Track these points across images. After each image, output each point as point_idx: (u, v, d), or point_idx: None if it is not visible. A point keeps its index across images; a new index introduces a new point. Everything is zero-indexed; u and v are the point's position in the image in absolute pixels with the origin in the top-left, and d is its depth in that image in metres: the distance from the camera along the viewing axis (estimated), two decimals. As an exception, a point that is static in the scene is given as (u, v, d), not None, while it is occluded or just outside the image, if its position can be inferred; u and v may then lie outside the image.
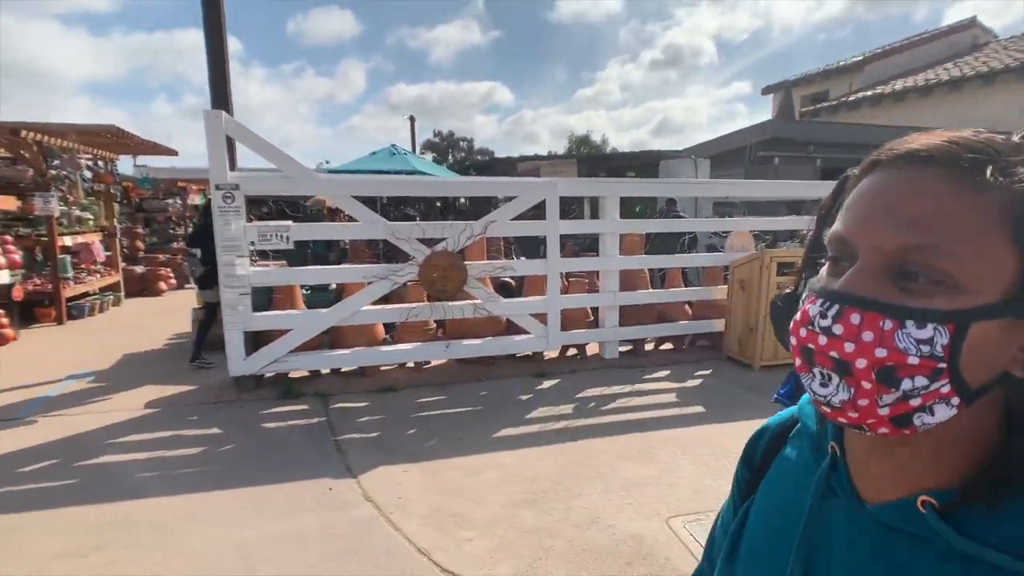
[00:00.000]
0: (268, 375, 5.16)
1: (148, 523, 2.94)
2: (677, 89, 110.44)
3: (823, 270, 0.53)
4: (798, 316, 0.52)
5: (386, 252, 8.47)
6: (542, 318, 5.65)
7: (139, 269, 10.96)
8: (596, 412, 4.59)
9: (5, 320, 6.62)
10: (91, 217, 8.49)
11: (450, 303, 5.31)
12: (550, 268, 5.56)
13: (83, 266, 8.52)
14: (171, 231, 13.86)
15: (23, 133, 6.98)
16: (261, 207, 10.46)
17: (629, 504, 3.15)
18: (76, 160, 7.97)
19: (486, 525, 2.97)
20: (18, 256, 6.95)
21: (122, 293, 9.60)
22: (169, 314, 8.91)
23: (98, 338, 7.33)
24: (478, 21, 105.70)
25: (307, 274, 5.05)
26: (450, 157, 62.31)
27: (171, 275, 11.45)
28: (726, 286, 6.17)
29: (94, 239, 8.54)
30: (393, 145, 8.89)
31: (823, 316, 0.48)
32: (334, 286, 6.12)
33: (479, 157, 63.37)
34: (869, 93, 14.10)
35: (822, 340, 0.48)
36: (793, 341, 0.52)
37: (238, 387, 5.07)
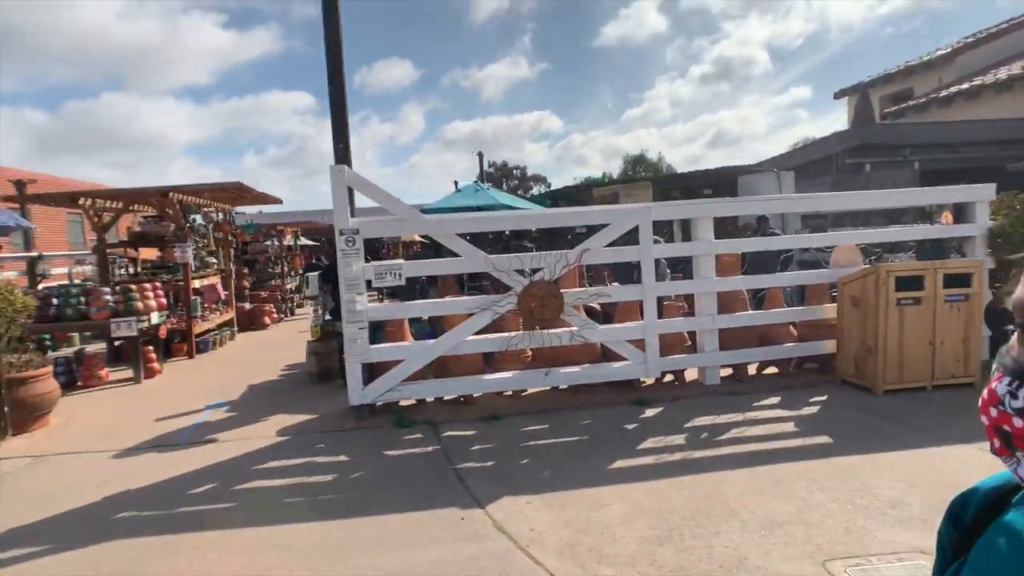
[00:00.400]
0: (379, 404, 5.49)
1: (306, 546, 3.23)
2: (730, 101, 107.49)
3: (1013, 339, 0.50)
4: (985, 394, 0.49)
5: (471, 283, 8.81)
6: (639, 344, 5.68)
7: (247, 306, 11.94)
8: (712, 442, 4.55)
9: (153, 355, 7.44)
10: (215, 262, 9.42)
11: (547, 331, 5.46)
12: (646, 293, 5.61)
13: (207, 305, 9.43)
14: (270, 270, 15.01)
15: (170, 195, 7.93)
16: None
17: (775, 544, 3.04)
18: (209, 215, 8.93)
19: (626, 563, 2.97)
20: (164, 299, 7.81)
21: (235, 328, 10.49)
22: (278, 347, 9.63)
23: (223, 370, 8.06)
24: (525, 56, 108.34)
25: (416, 308, 5.38)
26: (504, 185, 63.87)
27: (273, 311, 12.38)
28: (834, 304, 5.97)
29: (216, 281, 9.44)
30: (476, 182, 9.29)
31: (1013, 396, 0.46)
32: (426, 316, 6.45)
33: (532, 183, 64.59)
34: (965, 86, 13.10)
35: (1018, 423, 0.45)
36: (984, 420, 0.50)
37: (355, 415, 5.43)
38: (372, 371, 5.39)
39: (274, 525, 3.47)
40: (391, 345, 5.41)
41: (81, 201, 8.14)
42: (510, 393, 5.89)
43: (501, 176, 63.05)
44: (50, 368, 5.60)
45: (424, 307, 5.41)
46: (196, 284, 8.82)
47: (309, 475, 4.27)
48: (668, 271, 6.69)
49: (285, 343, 10.42)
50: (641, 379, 5.94)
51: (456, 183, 9.27)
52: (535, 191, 60.48)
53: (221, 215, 10.16)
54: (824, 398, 5.50)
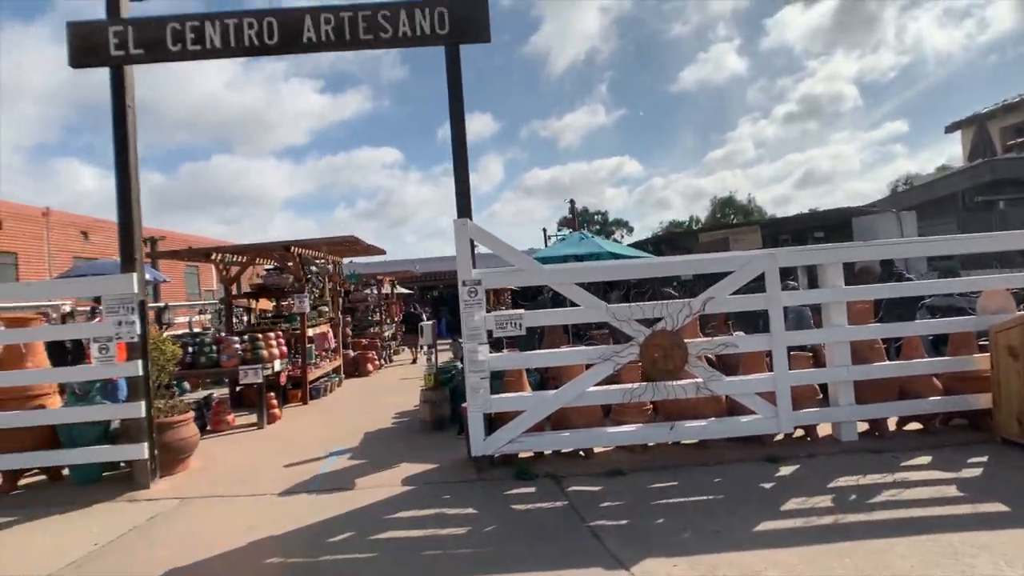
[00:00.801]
0: (498, 455, 5.45)
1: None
2: (818, 139, 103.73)
3: None
4: None
5: (576, 333, 8.74)
6: (769, 397, 5.38)
7: (351, 353, 12.45)
8: (864, 505, 4.17)
9: (275, 401, 7.86)
10: (327, 310, 9.95)
11: (671, 383, 5.29)
12: (775, 342, 5.34)
13: (318, 352, 9.91)
14: (369, 318, 15.65)
15: (292, 249, 8.54)
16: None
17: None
18: (326, 267, 9.53)
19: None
20: (284, 348, 8.29)
21: (343, 375, 10.93)
22: (384, 393, 9.92)
23: (337, 417, 8.37)
24: (603, 104, 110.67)
25: (537, 358, 5.39)
26: (586, 229, 64.49)
27: (375, 358, 12.82)
28: (985, 354, 5.43)
29: (327, 329, 9.94)
30: (582, 231, 9.37)
31: None
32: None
33: (613, 228, 64.81)
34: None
35: None
36: None
37: (475, 466, 5.42)
38: (490, 421, 5.40)
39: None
40: (512, 395, 5.42)
41: (213, 256, 8.92)
42: (629, 447, 5.70)
43: (582, 222, 63.70)
44: (191, 414, 6.00)
45: (544, 357, 5.41)
46: (310, 332, 9.32)
47: (442, 527, 4.26)
48: (810, 318, 6.34)
49: (389, 389, 10.74)
50: (771, 434, 5.60)
51: (544, 231, 9.55)
52: (616, 236, 60.90)
53: (331, 266, 10.80)
54: (985, 459, 4.95)
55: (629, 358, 5.26)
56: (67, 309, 12.68)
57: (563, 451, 5.71)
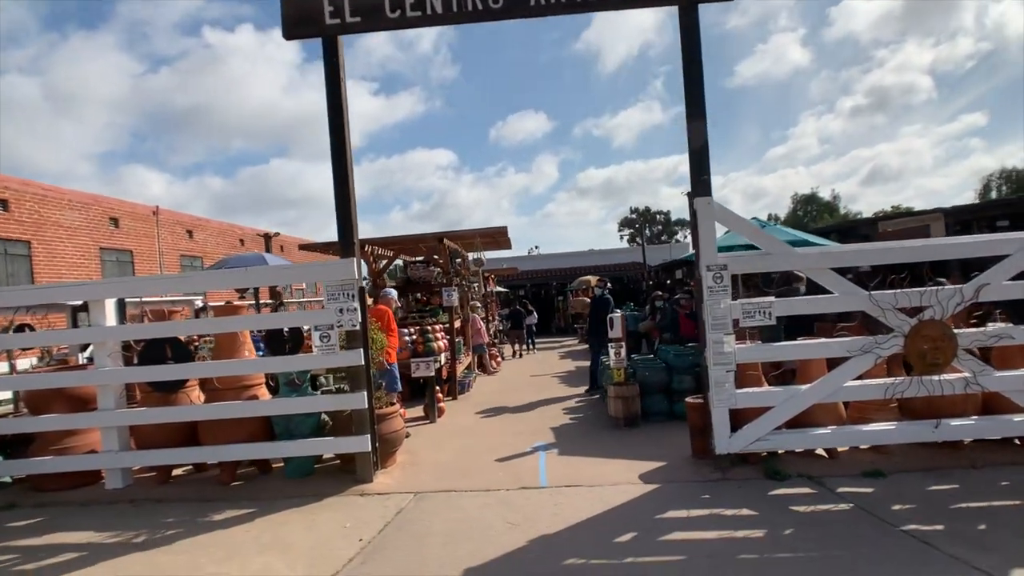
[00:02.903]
0: (736, 453, 5.06)
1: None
2: (887, 133, 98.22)
3: None
4: None
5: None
6: (1046, 394, 4.83)
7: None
8: None
9: (440, 395, 7.69)
10: (479, 305, 9.78)
11: (936, 378, 4.80)
12: (1056, 334, 4.78)
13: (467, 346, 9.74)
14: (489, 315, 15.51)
15: (443, 241, 8.38)
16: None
17: None
18: (481, 259, 9.36)
19: None
20: (445, 341, 8.14)
21: (477, 371, 10.75)
22: (526, 388, 9.69)
23: (501, 412, 8.17)
24: (659, 101, 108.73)
25: (785, 350, 4.99)
26: (647, 231, 63.28)
27: (499, 355, 12.63)
28: None
29: (480, 324, 9.78)
30: (755, 218, 8.90)
31: None
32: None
33: (676, 228, 63.42)
34: None
35: None
36: None
37: (713, 464, 5.06)
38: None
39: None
40: (761, 390, 5.04)
41: (366, 248, 8.84)
42: (875, 448, 5.23)
43: (644, 222, 62.61)
44: (398, 406, 5.85)
45: (793, 349, 5.00)
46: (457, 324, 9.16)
47: (733, 528, 3.90)
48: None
49: (527, 384, 10.54)
50: (1036, 436, 5.04)
51: (760, 220, 9.22)
52: (679, 236, 59.61)
53: (482, 259, 10.64)
54: None
55: (892, 350, 4.79)
56: (199, 304, 12.98)
57: (798, 451, 5.28)
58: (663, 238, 61.23)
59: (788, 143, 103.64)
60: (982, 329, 4.88)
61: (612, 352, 6.79)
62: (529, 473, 5.33)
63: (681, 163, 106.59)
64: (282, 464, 5.68)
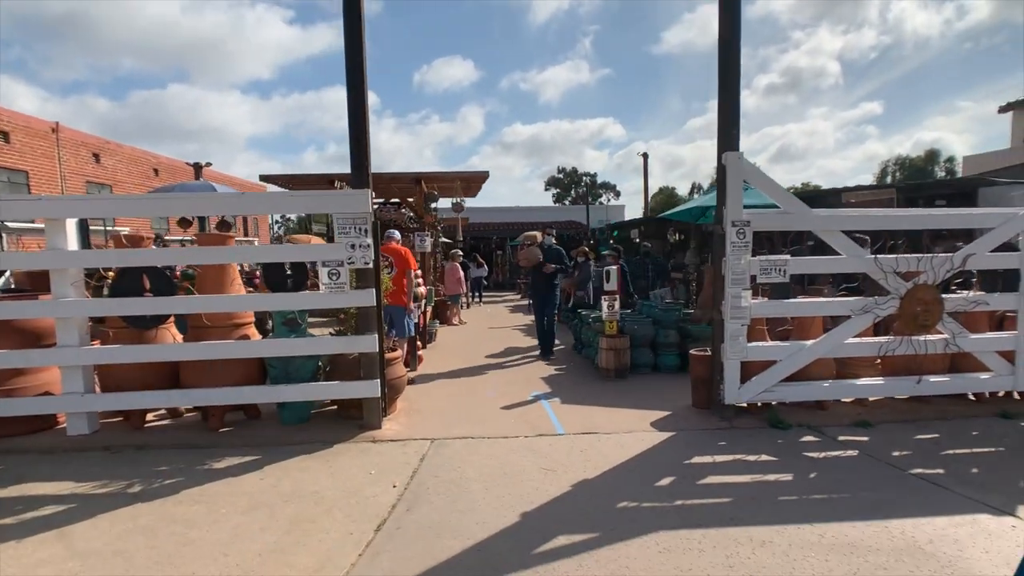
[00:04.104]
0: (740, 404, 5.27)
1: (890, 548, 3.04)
2: (797, 113, 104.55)
3: None
4: None
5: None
6: (1008, 356, 5.39)
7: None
8: None
9: (419, 343, 7.43)
10: (459, 251, 9.43)
11: (921, 338, 5.21)
12: (1023, 302, 5.31)
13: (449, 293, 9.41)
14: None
15: (421, 182, 7.92)
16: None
17: None
18: (461, 204, 8.92)
19: None
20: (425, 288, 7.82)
21: (438, 322, 10.49)
22: (491, 340, 9.60)
23: (478, 362, 8.05)
24: (587, 61, 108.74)
25: (794, 307, 5.18)
26: (572, 192, 64.16)
27: (453, 305, 12.38)
28: None
29: (459, 271, 9.44)
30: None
31: None
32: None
33: (601, 191, 64.72)
34: None
35: None
36: None
37: (718, 414, 5.25)
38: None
39: (811, 523, 3.29)
40: (770, 344, 5.23)
41: (337, 184, 8.20)
42: (858, 400, 5.64)
43: (570, 183, 63.06)
44: (400, 352, 5.57)
45: (801, 307, 5.21)
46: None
47: (761, 473, 4.07)
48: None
49: (490, 337, 10.43)
50: (995, 392, 5.64)
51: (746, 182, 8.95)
52: (603, 199, 60.70)
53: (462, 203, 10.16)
54: None
55: (889, 310, 5.13)
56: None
57: (790, 402, 5.59)
58: (588, 200, 62.18)
59: (707, 115, 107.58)
60: (964, 295, 5.33)
61: (605, 304, 6.81)
62: (540, 420, 5.29)
63: (608, 126, 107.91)
64: (273, 409, 5.28)
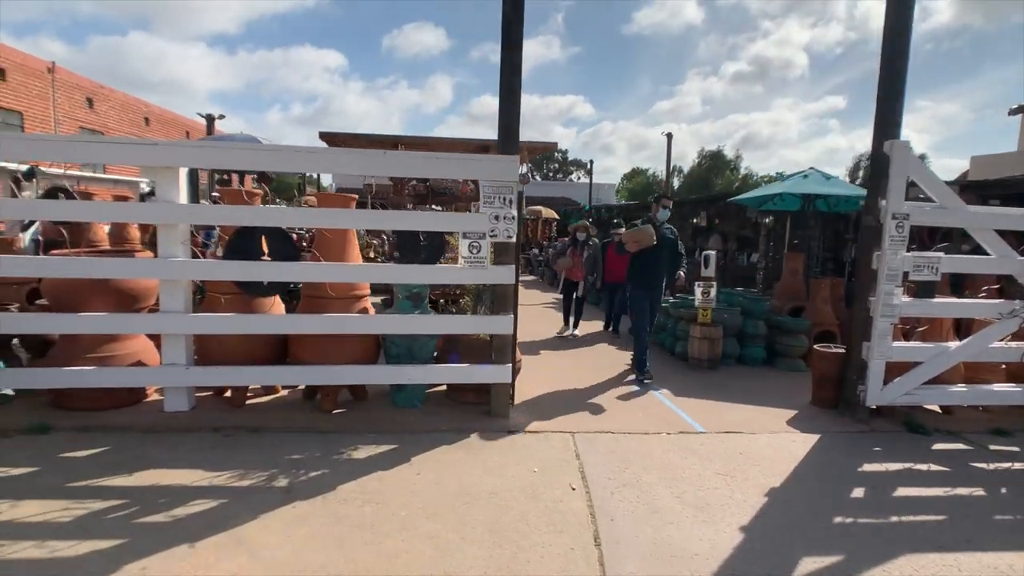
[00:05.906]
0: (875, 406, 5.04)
1: None
2: (762, 103, 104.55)
3: None
4: None
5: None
6: None
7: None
8: None
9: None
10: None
11: (1062, 344, 5.06)
12: None
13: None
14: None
15: (489, 149, 7.40)
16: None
17: None
18: (527, 176, 8.37)
19: None
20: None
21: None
22: (539, 320, 9.21)
23: (529, 342, 7.67)
24: (559, 37, 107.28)
25: (942, 307, 4.94)
26: (544, 168, 63.56)
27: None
28: None
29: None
30: (813, 168, 8.80)
31: None
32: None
33: (572, 167, 64.27)
34: None
35: None
36: None
37: (850, 415, 5.02)
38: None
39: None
40: (914, 345, 5.00)
41: (399, 148, 7.59)
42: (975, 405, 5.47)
43: (543, 159, 62.19)
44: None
45: (948, 307, 4.98)
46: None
47: (948, 485, 3.83)
48: None
49: (532, 316, 10.01)
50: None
51: (817, 170, 8.48)
52: (573, 176, 60.11)
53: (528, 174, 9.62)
54: None
55: (1038, 316, 4.94)
56: (145, 188, 10.75)
57: (914, 405, 5.39)
58: (559, 176, 61.70)
59: (674, 99, 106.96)
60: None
61: (699, 291, 6.48)
62: (667, 415, 4.96)
63: (577, 104, 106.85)
64: (380, 389, 4.82)
